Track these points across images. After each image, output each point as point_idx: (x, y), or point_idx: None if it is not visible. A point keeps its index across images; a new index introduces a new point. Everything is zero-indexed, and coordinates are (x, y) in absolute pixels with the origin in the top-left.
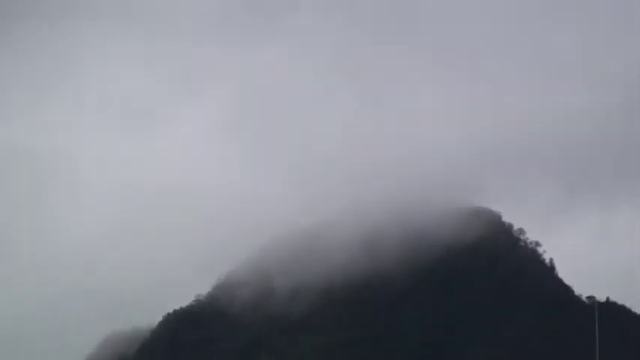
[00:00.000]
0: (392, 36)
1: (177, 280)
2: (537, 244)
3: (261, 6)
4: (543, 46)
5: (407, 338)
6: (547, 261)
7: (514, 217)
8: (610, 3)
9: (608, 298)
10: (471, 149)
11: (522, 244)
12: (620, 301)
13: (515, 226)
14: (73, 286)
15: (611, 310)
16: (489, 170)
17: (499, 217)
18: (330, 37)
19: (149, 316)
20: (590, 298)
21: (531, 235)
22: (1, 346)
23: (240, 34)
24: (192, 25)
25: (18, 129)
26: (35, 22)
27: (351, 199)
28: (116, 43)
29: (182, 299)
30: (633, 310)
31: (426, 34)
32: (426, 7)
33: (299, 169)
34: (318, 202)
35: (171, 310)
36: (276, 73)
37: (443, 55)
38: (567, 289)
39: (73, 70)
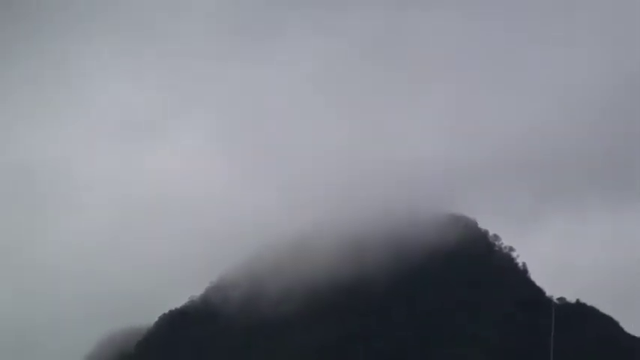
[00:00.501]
0: (374, 55)
1: (173, 282)
2: (511, 249)
3: (253, 25)
4: (517, 66)
5: (388, 338)
6: (520, 265)
7: (490, 224)
8: (576, 19)
9: (578, 300)
10: (451, 161)
11: (497, 249)
12: (589, 303)
13: (491, 233)
14: (74, 289)
15: (582, 311)
16: (466, 181)
17: (475, 224)
18: (316, 54)
19: (146, 317)
20: (560, 299)
21: (506, 241)
22: (3, 344)
23: (233, 51)
24: (186, 41)
25: (21, 142)
26: (35, 39)
27: (338, 208)
28: (112, 58)
29: (177, 300)
30: (601, 310)
31: (405, 54)
32: (406, 28)
33: (288, 179)
34: (306, 210)
35: (167, 311)
36: (268, 89)
37: (428, 74)
38: (539, 291)
39: (72, 85)
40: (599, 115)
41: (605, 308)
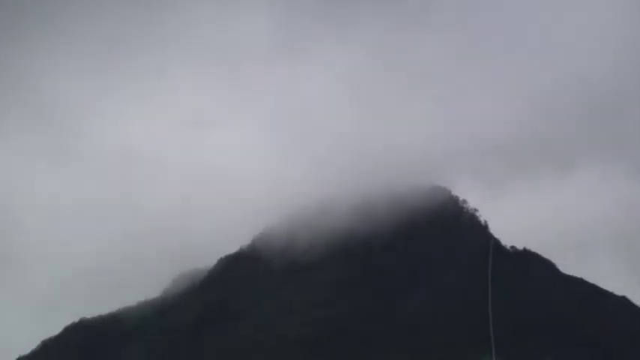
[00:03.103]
0: (381, 65)
1: (228, 234)
2: (475, 210)
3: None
4: (490, 77)
5: (383, 278)
6: (482, 222)
7: (461, 192)
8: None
9: (524, 247)
10: (436, 146)
11: (465, 210)
12: (534, 250)
13: (461, 198)
14: (158, 241)
15: (528, 256)
16: (448, 160)
17: (449, 192)
18: (338, 64)
19: (207, 261)
20: (512, 247)
21: (472, 204)
22: (103, 281)
23: (275, 61)
24: (241, 53)
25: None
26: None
27: (351, 181)
28: (184, 66)
29: (231, 248)
30: (543, 255)
31: (405, 66)
32: (407, 43)
33: (315, 161)
34: (328, 182)
35: (223, 255)
36: (302, 91)
37: (422, 80)
38: (497, 242)
39: (157, 89)
40: (545, 111)
41: (546, 254)
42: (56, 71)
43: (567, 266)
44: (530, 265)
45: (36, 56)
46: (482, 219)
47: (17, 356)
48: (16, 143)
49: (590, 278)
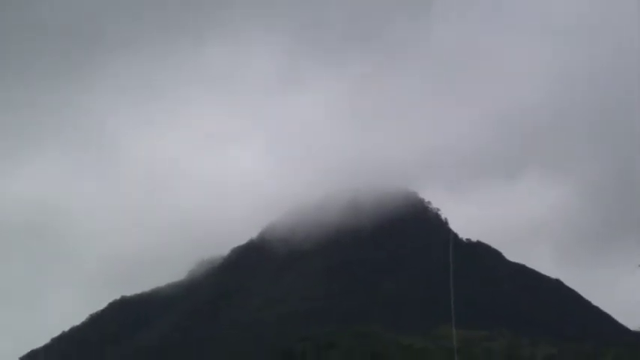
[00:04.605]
0: (367, 89)
1: (239, 228)
2: (438, 209)
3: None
4: (454, 103)
5: (367, 262)
6: (444, 219)
7: (427, 195)
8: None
9: (478, 240)
10: (406, 157)
11: (430, 209)
12: (486, 242)
13: (426, 200)
14: (180, 232)
15: (480, 247)
16: (418, 169)
17: (416, 194)
18: (330, 87)
19: (223, 249)
20: (467, 239)
21: (435, 205)
22: (132, 266)
23: (275, 87)
24: (249, 83)
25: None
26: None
27: (341, 183)
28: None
29: (242, 239)
30: (492, 246)
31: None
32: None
33: (311, 169)
34: (323, 186)
35: (235, 245)
36: (301, 112)
37: (399, 104)
38: (455, 235)
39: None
40: (496, 130)
41: (495, 245)
42: (102, 102)
43: (512, 255)
44: (482, 254)
45: (87, 90)
46: (443, 217)
47: (70, 327)
48: (74, 157)
49: (531, 265)
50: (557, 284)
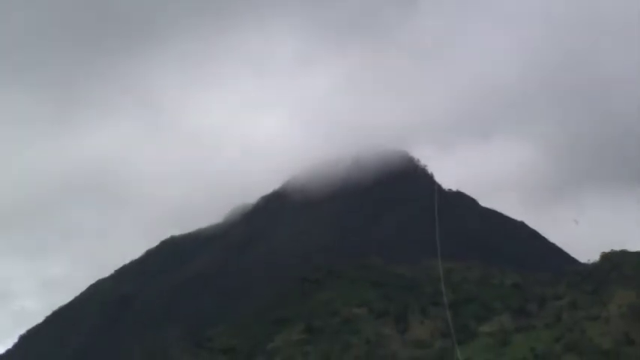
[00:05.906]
0: (374, 68)
1: (267, 180)
2: (425, 165)
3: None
4: (441, 75)
5: (368, 209)
6: (430, 173)
7: (416, 153)
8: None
9: (457, 189)
10: (400, 122)
11: (418, 165)
12: (464, 191)
13: (415, 157)
14: (218, 184)
15: (459, 196)
16: (410, 130)
17: (407, 153)
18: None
19: (253, 198)
20: (449, 189)
21: (423, 161)
22: (182, 212)
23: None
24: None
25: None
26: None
27: (348, 147)
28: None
29: (266, 190)
30: (470, 195)
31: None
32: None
33: (324, 134)
34: (333, 148)
35: (260, 196)
36: (314, 86)
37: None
38: (440, 187)
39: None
40: (473, 99)
41: (471, 194)
42: (160, 77)
43: (485, 202)
44: (460, 201)
45: (143, 61)
46: (430, 171)
47: (130, 260)
48: (131, 122)
49: (500, 210)
50: (522, 225)
